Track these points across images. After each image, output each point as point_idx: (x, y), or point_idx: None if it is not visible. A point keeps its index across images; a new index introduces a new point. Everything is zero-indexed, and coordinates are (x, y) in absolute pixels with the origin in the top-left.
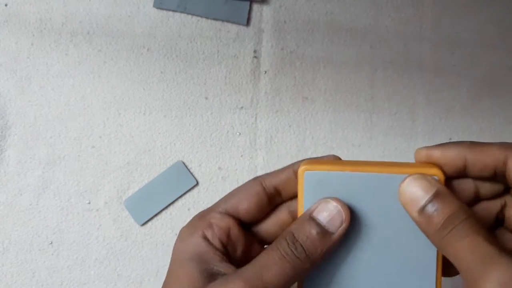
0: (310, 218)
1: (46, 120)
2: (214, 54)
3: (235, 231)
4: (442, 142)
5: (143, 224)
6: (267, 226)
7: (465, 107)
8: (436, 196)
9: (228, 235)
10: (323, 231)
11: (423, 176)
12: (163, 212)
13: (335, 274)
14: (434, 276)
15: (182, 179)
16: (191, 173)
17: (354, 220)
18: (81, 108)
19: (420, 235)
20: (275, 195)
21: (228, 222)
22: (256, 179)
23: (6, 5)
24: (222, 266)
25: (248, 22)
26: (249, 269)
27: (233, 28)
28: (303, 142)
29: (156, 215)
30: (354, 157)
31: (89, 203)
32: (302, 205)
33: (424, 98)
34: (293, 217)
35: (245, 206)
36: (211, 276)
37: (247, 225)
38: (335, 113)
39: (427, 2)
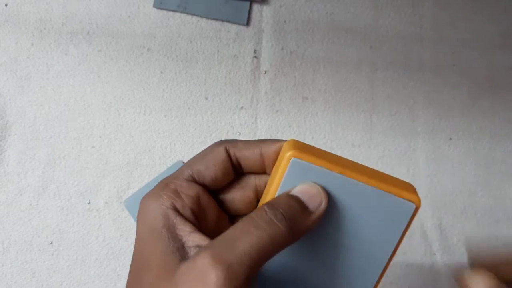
0: (290, 195)
1: (46, 120)
2: (214, 54)
3: (205, 199)
4: (442, 142)
5: None
6: (232, 197)
7: (465, 107)
8: None
9: (199, 204)
10: (304, 207)
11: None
12: None
13: (292, 266)
14: (378, 277)
15: None
16: None
17: (325, 219)
18: (81, 108)
19: (377, 244)
20: (237, 166)
21: (197, 190)
22: (221, 144)
23: (6, 5)
24: (195, 239)
25: (248, 22)
26: (219, 242)
27: (233, 28)
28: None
29: None
30: (354, 157)
31: (89, 203)
32: (276, 187)
33: (424, 98)
34: (258, 195)
35: (212, 173)
36: (184, 252)
37: (213, 193)
38: (335, 113)
39: (427, 2)
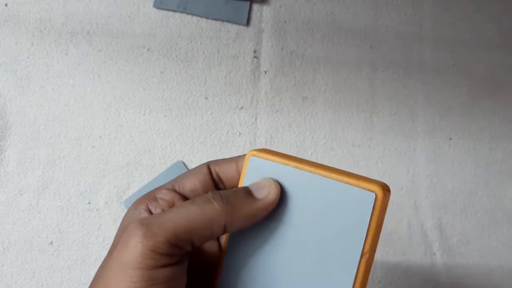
0: (241, 187)
1: (46, 120)
2: (214, 54)
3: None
4: (442, 142)
5: None
6: None
7: (465, 107)
8: None
9: (171, 208)
10: (249, 193)
11: None
12: None
13: (253, 264)
14: (352, 282)
15: None
16: None
17: (282, 214)
18: (81, 108)
19: (343, 242)
20: (219, 181)
21: (173, 197)
22: (205, 163)
23: (6, 5)
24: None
25: (248, 22)
26: (156, 214)
27: (233, 28)
28: (303, 142)
29: None
30: (354, 157)
31: (89, 203)
32: (239, 185)
33: (424, 98)
34: None
35: (191, 183)
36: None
37: None
38: (335, 113)
39: (427, 2)
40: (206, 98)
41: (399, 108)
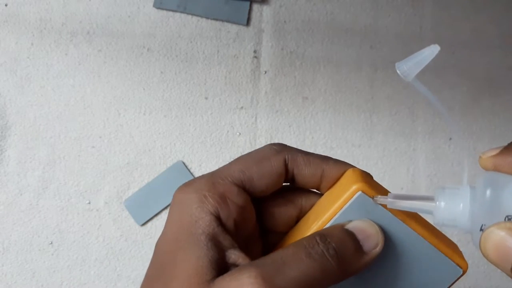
0: (345, 229)
1: (46, 120)
2: (214, 54)
3: (249, 210)
4: (442, 142)
5: (143, 224)
6: (273, 211)
7: (465, 107)
8: None
9: (243, 215)
10: (358, 246)
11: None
12: (163, 212)
13: None
14: None
15: (182, 179)
16: (191, 173)
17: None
18: (81, 108)
19: None
20: (290, 179)
21: (245, 199)
22: (281, 153)
23: (6, 5)
24: (235, 255)
25: (248, 22)
26: (268, 263)
27: (233, 28)
28: (303, 142)
29: (156, 215)
30: (354, 157)
31: (89, 203)
32: (331, 216)
33: (424, 98)
34: (301, 215)
35: (264, 185)
36: (222, 266)
37: (254, 202)
38: (335, 113)
39: (427, 2)
40: (206, 98)
41: (399, 108)
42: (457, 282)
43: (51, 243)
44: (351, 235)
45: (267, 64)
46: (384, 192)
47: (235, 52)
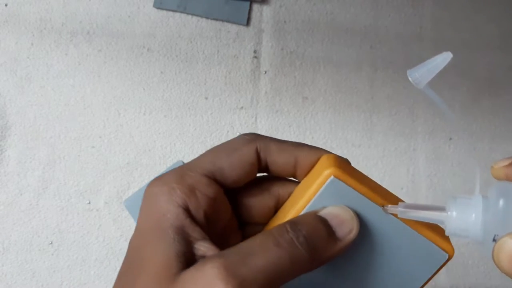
0: (319, 216)
1: (46, 120)
2: (214, 54)
3: (221, 200)
4: (442, 142)
5: None
6: (249, 203)
7: (465, 107)
8: None
9: (213, 207)
10: (331, 233)
11: None
12: None
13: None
14: None
15: None
16: None
17: (351, 247)
18: (81, 108)
19: (399, 283)
20: (264, 168)
21: (215, 191)
22: (252, 142)
23: (6, 5)
24: (204, 247)
25: (248, 22)
26: (233, 253)
27: (233, 28)
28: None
29: None
30: (354, 157)
31: (89, 203)
32: (305, 203)
33: (424, 98)
34: (279, 205)
35: (235, 175)
36: (190, 259)
37: (228, 194)
38: (335, 113)
39: (427, 2)
40: (206, 98)
41: (399, 108)
42: (456, 281)
43: (51, 243)
44: (323, 221)
45: (267, 64)
46: (361, 177)
47: (235, 52)
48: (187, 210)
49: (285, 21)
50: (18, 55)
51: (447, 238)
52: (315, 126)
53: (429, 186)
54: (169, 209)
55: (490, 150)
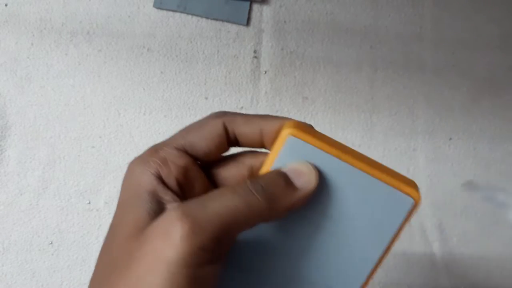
0: (276, 170)
1: (46, 120)
2: (214, 54)
3: (194, 170)
4: (442, 142)
5: None
6: (225, 174)
7: (465, 107)
8: None
9: (186, 176)
10: (289, 182)
11: None
12: None
13: (275, 247)
14: (366, 276)
15: None
16: None
17: (314, 202)
18: (81, 108)
19: (370, 237)
20: (234, 141)
21: (186, 161)
22: (219, 117)
23: (6, 5)
24: (172, 206)
25: (248, 22)
26: (194, 201)
27: (233, 28)
28: None
29: None
30: None
31: (89, 203)
32: (270, 164)
33: (424, 98)
34: (252, 173)
35: (205, 146)
36: (159, 213)
37: (205, 168)
38: (335, 113)
39: (427, 2)
40: (206, 98)
41: (399, 108)
42: (457, 281)
43: (51, 243)
44: (282, 174)
45: (267, 64)
46: (320, 136)
47: (235, 52)
48: (159, 178)
49: (285, 21)
50: (18, 55)
51: (411, 184)
52: (315, 126)
53: (429, 186)
54: (143, 178)
55: (490, 150)
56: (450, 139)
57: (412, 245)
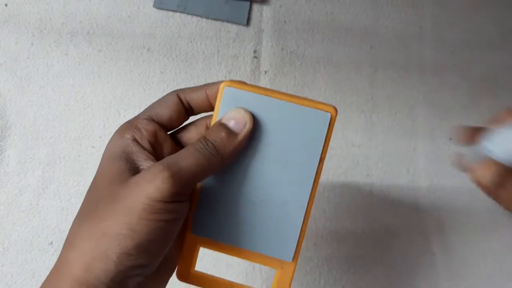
0: (220, 123)
1: (46, 120)
2: (214, 54)
3: (162, 134)
4: (442, 142)
5: None
6: (188, 136)
7: (465, 107)
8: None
9: (155, 137)
10: (230, 132)
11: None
12: None
13: (231, 182)
14: (310, 189)
15: None
16: None
17: (256, 137)
18: (81, 108)
19: (306, 152)
20: (189, 109)
21: (154, 126)
22: (174, 92)
23: (6, 5)
24: (148, 163)
25: (248, 22)
26: (169, 158)
27: (233, 28)
28: None
29: None
30: (354, 157)
31: None
32: (216, 116)
33: (424, 98)
34: (208, 128)
35: (167, 114)
36: (137, 170)
37: (172, 135)
38: None
39: (427, 2)
40: None
41: (399, 108)
42: (457, 281)
43: (51, 243)
44: (224, 126)
45: (267, 64)
46: (251, 85)
47: (235, 52)
48: (134, 140)
49: (285, 21)
50: (18, 55)
51: (328, 105)
52: None
53: (429, 186)
54: (121, 142)
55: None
56: (450, 139)
57: (412, 245)
